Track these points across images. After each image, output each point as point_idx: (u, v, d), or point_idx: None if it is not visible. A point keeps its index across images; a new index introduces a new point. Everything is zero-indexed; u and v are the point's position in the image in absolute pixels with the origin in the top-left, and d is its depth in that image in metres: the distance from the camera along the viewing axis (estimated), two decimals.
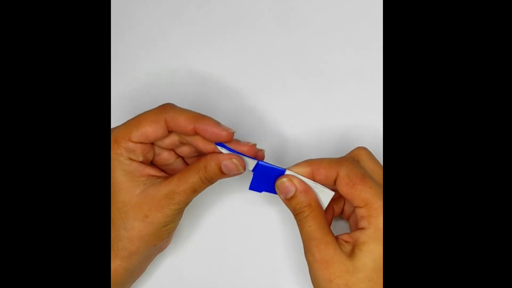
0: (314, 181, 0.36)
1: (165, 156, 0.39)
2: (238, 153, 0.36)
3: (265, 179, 0.37)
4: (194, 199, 0.37)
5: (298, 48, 0.46)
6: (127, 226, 0.36)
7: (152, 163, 0.39)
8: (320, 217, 0.35)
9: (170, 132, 0.37)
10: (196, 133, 0.35)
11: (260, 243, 0.43)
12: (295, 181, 0.35)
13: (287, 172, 0.36)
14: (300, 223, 0.35)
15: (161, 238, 0.37)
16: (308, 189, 0.35)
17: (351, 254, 0.33)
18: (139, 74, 0.47)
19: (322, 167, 0.35)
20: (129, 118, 0.37)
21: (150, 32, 0.48)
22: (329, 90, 0.45)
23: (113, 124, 0.43)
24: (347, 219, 0.40)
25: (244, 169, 0.36)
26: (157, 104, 0.38)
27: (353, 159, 0.36)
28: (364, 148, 0.38)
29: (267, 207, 0.43)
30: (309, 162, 0.36)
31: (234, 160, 0.36)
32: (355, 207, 0.34)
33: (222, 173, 0.36)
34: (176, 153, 0.39)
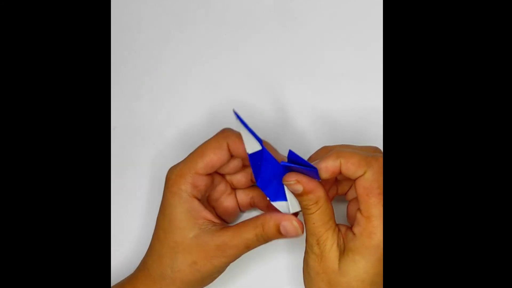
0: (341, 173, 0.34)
1: (222, 189, 0.39)
2: (253, 134, 0.34)
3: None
4: None
5: (298, 48, 0.46)
6: (174, 268, 0.35)
7: (207, 201, 0.39)
8: (324, 214, 0.35)
9: (232, 157, 0.36)
10: None
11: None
12: (303, 181, 0.34)
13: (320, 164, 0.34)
14: (306, 217, 0.35)
15: (203, 285, 0.37)
16: (316, 188, 0.34)
17: (341, 256, 0.34)
18: (140, 74, 0.47)
19: (350, 162, 0.34)
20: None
21: (149, 33, 0.48)
22: (329, 90, 0.45)
23: (113, 126, 0.44)
24: (348, 200, 0.39)
25: (303, 232, 0.35)
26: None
27: (381, 162, 0.34)
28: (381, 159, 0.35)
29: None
30: (338, 155, 0.34)
31: (294, 222, 0.35)
32: (359, 209, 0.34)
33: (280, 234, 0.35)
34: (231, 187, 0.39)
